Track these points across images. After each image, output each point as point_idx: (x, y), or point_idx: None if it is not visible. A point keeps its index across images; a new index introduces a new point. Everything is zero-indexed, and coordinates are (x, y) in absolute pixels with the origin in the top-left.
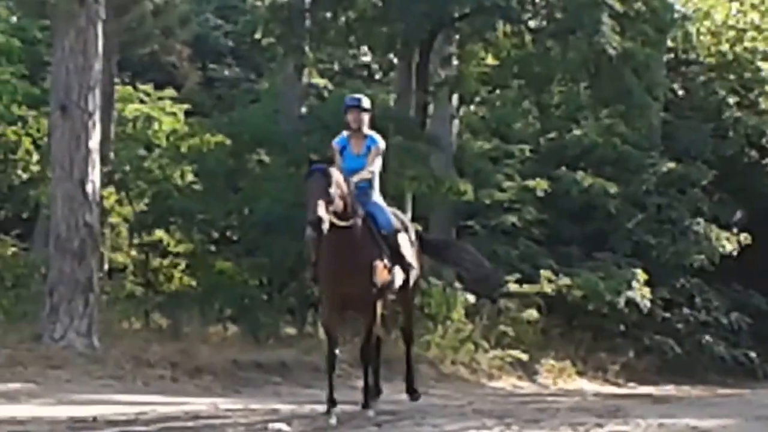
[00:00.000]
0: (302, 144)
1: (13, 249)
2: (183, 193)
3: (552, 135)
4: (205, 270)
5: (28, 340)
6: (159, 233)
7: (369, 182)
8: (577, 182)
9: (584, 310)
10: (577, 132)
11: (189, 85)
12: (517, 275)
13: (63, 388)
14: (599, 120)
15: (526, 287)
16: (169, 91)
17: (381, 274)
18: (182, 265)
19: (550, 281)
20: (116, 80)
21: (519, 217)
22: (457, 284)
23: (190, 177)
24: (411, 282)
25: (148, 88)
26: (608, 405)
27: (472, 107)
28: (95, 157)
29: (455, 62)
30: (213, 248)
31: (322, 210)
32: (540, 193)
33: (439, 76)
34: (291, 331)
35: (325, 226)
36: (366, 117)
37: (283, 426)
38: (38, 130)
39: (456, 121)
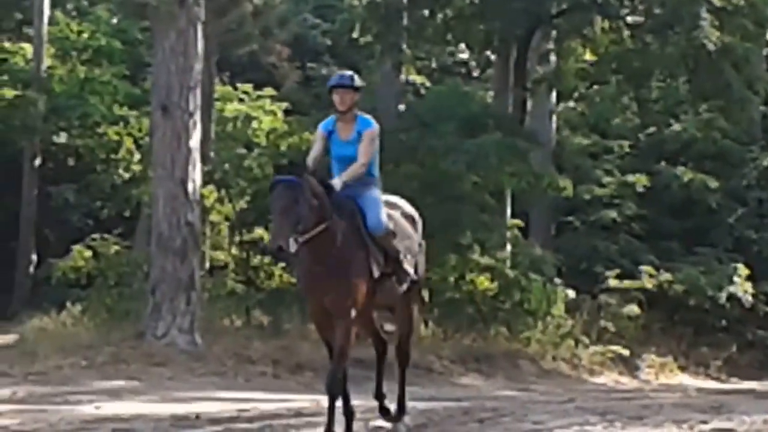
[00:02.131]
0: (401, 141)
1: (116, 248)
2: None
3: (651, 130)
4: None
5: (131, 337)
6: (259, 231)
7: (369, 172)
8: (677, 177)
9: (686, 306)
10: (676, 127)
11: (288, 84)
12: (618, 271)
13: (165, 386)
14: (699, 114)
15: (626, 283)
16: (268, 90)
17: (360, 285)
18: (282, 263)
19: (651, 276)
20: (216, 80)
21: (619, 213)
22: (558, 280)
23: None
24: (416, 287)
25: (248, 87)
26: (711, 401)
27: (570, 103)
28: (196, 156)
29: (553, 58)
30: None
31: (283, 237)
32: (640, 189)
33: (537, 73)
34: (390, 328)
35: (292, 250)
36: (356, 97)
37: (385, 423)
38: (139, 130)
39: (554, 117)
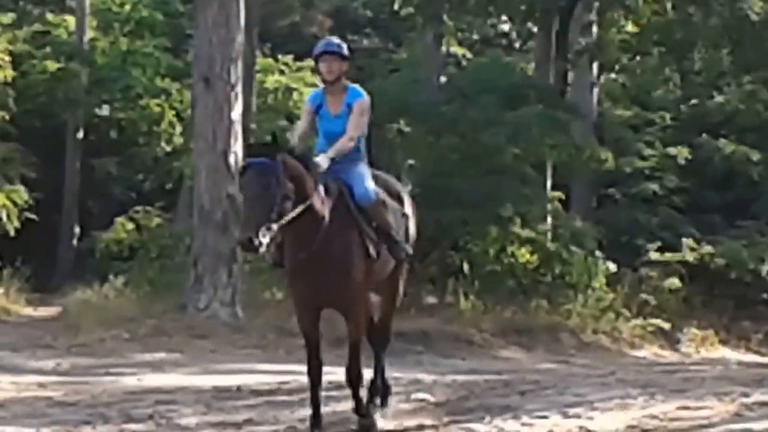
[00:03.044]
0: (442, 113)
1: (158, 220)
2: None
3: (693, 102)
4: None
5: (172, 310)
6: None
7: (357, 148)
8: (719, 149)
9: (727, 279)
10: (719, 99)
11: None
12: (658, 243)
13: (207, 358)
14: (741, 86)
15: (667, 255)
16: (309, 62)
17: (359, 266)
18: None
19: (692, 249)
20: (257, 52)
21: (660, 185)
22: (598, 253)
23: None
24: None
25: (289, 59)
26: (753, 374)
27: (612, 75)
28: (237, 128)
29: (595, 30)
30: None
31: (252, 228)
32: (681, 161)
33: (579, 44)
34: (432, 300)
35: (263, 248)
36: (344, 66)
37: (426, 396)
38: (181, 102)
39: (596, 89)
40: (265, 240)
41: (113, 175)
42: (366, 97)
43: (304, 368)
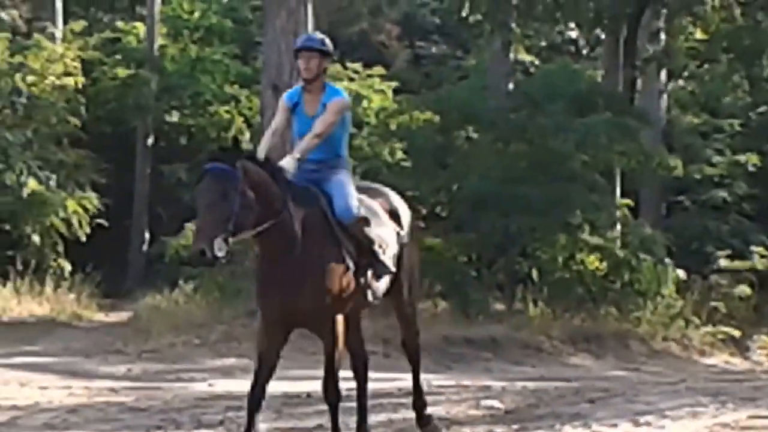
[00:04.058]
0: (510, 120)
1: None
2: (392, 170)
3: (763, 109)
4: None
5: (242, 315)
6: None
7: (335, 153)
8: None
9: None
10: None
11: (397, 63)
12: (728, 251)
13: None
14: None
15: (737, 263)
16: (378, 69)
17: (336, 280)
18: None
19: (762, 257)
20: None
21: (729, 192)
22: (668, 260)
23: (399, 154)
24: (406, 285)
25: (357, 66)
26: None
27: (680, 82)
28: None
29: (663, 37)
30: (422, 224)
31: (206, 239)
32: (751, 168)
33: (647, 51)
34: (500, 307)
35: (219, 254)
36: (324, 63)
37: (495, 403)
38: (250, 109)
39: (665, 96)
40: (221, 253)
41: (183, 181)
42: (344, 97)
43: (373, 375)
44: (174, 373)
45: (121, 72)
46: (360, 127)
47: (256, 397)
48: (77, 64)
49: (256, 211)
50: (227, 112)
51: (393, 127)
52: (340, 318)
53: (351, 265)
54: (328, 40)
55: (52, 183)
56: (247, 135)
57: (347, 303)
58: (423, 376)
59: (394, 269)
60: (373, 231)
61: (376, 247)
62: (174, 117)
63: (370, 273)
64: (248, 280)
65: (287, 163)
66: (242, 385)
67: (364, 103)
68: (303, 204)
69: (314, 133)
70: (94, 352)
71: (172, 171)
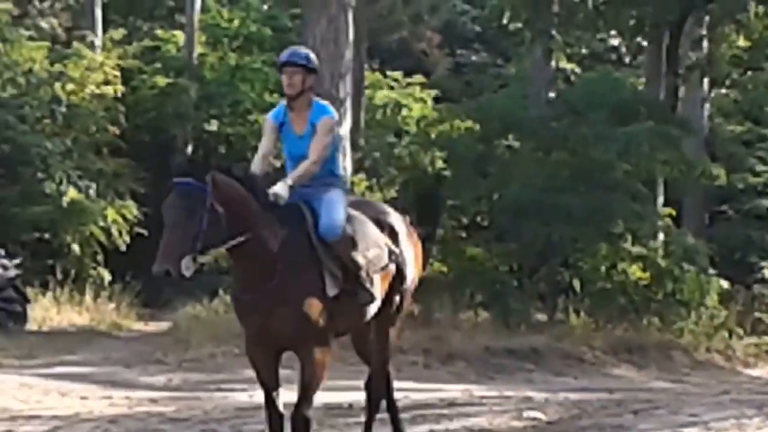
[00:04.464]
0: (551, 129)
1: None
2: (433, 179)
3: None
4: (456, 256)
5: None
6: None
7: (328, 170)
8: None
9: None
10: None
11: (438, 71)
12: None
13: None
14: None
15: None
16: (418, 78)
17: (313, 305)
18: (433, 251)
19: None
20: (365, 67)
21: None
22: (711, 270)
23: (439, 163)
24: (395, 302)
25: (397, 74)
26: None
27: (723, 90)
28: (346, 144)
29: (706, 44)
30: (463, 234)
31: (171, 259)
32: None
33: (690, 59)
34: (542, 317)
35: (187, 274)
36: (309, 80)
37: (538, 414)
38: None
39: (707, 105)
40: (188, 272)
41: None
42: (332, 115)
43: (414, 385)
44: (214, 383)
45: (160, 80)
46: (400, 135)
47: (274, 425)
48: (116, 72)
49: (226, 227)
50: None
51: (433, 135)
52: (325, 349)
53: (330, 289)
54: (313, 56)
55: (92, 192)
56: None
57: (330, 328)
58: (465, 386)
59: (378, 297)
60: (361, 254)
61: (362, 273)
62: (213, 126)
63: (356, 298)
64: None
65: (280, 189)
66: (283, 395)
67: (404, 112)
68: (287, 221)
69: (311, 161)
70: (134, 362)
71: None
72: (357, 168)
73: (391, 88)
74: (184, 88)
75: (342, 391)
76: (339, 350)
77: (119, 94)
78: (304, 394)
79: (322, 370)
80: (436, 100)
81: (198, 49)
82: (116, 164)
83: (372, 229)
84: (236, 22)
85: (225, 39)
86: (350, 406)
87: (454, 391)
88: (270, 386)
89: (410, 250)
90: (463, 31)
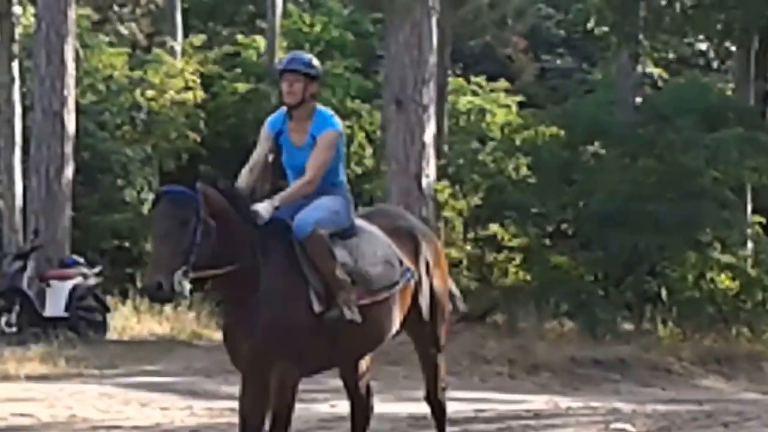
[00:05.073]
0: (638, 135)
1: None
2: (517, 186)
3: None
4: (541, 264)
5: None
6: (494, 227)
7: (329, 182)
8: None
9: None
10: None
11: (523, 77)
12: None
13: (400, 385)
14: None
15: None
16: (502, 83)
17: (301, 325)
18: (517, 260)
19: None
20: (449, 72)
21: None
22: None
23: (524, 170)
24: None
25: (481, 80)
26: None
27: None
28: (430, 150)
29: None
30: (548, 242)
31: (164, 272)
32: None
33: None
34: (628, 326)
35: (180, 290)
36: (312, 87)
37: (626, 426)
38: (371, 124)
39: None
40: (181, 289)
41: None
42: (336, 128)
43: (499, 396)
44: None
45: (241, 86)
46: (484, 142)
47: None
48: (197, 78)
49: (216, 241)
50: (348, 127)
51: (518, 142)
52: (295, 372)
53: (316, 305)
54: (316, 62)
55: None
56: (369, 150)
57: (312, 347)
58: (550, 397)
59: (359, 319)
60: (350, 272)
61: (341, 293)
62: None
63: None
64: None
65: (263, 209)
66: None
67: (488, 118)
68: (272, 239)
69: (306, 180)
70: (215, 371)
71: None
72: (441, 175)
73: (475, 93)
74: (265, 95)
75: (425, 402)
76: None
77: (199, 101)
78: (273, 422)
79: (285, 397)
80: (521, 105)
81: (279, 55)
82: (196, 171)
83: (381, 245)
84: (318, 27)
85: (306, 44)
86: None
87: (539, 402)
88: (250, 423)
89: (434, 263)
90: (548, 35)
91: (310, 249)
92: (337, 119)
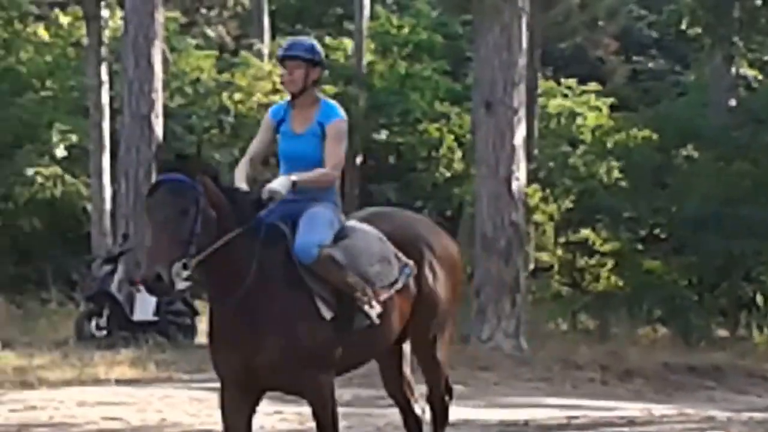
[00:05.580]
0: (732, 138)
1: None
2: (609, 190)
3: None
4: (633, 269)
5: (455, 341)
6: (585, 232)
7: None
8: None
9: None
10: None
11: (614, 79)
12: None
13: (492, 391)
14: None
15: None
16: (593, 85)
17: (305, 332)
18: (609, 265)
19: None
20: (539, 75)
21: None
22: None
23: (616, 173)
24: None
25: (572, 82)
26: None
27: None
28: (520, 154)
29: None
30: (640, 247)
31: (163, 262)
32: None
33: None
34: (723, 333)
35: (180, 283)
36: (313, 74)
37: None
38: (461, 127)
39: None
40: (180, 282)
41: (392, 201)
42: (343, 117)
43: (591, 403)
44: (385, 399)
45: (329, 89)
46: (575, 145)
47: None
48: None
49: (216, 232)
50: (437, 129)
51: (609, 145)
52: (328, 379)
53: (326, 314)
54: (319, 47)
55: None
56: (458, 154)
57: (329, 358)
58: (642, 405)
59: (377, 320)
60: (352, 273)
61: (357, 295)
62: (382, 135)
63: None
64: (461, 305)
65: (279, 184)
66: (456, 412)
67: (579, 120)
68: (268, 244)
69: (326, 172)
70: None
71: (381, 191)
72: (531, 178)
73: (566, 96)
74: (353, 97)
75: (518, 408)
76: (514, 366)
77: None
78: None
79: (328, 402)
80: (612, 108)
81: (367, 57)
82: None
83: (376, 243)
84: (406, 29)
85: (395, 47)
86: (526, 423)
87: (632, 409)
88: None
89: (439, 265)
90: (640, 37)
91: (319, 271)
92: (341, 109)
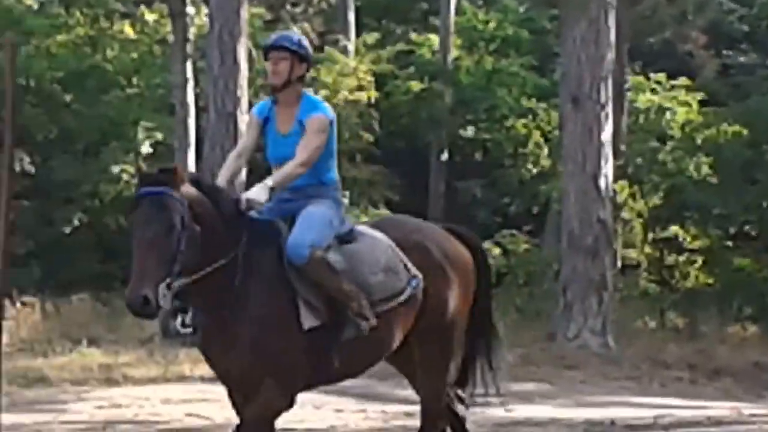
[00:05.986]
0: None
1: (525, 245)
2: (698, 186)
3: None
4: (723, 267)
5: (541, 339)
6: (674, 228)
7: (317, 179)
8: None
9: None
10: None
11: (704, 73)
12: None
13: (578, 389)
14: None
15: None
16: (683, 80)
17: (275, 337)
18: (698, 262)
19: None
20: (627, 69)
21: None
22: None
23: (705, 169)
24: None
25: (661, 77)
26: None
27: None
28: (608, 150)
29: None
30: (730, 244)
31: (149, 284)
32: None
33: None
34: None
35: (165, 305)
36: (299, 69)
37: None
38: (548, 123)
39: None
40: (165, 302)
41: (478, 198)
42: (325, 112)
43: (679, 402)
44: (470, 398)
45: (415, 85)
46: (663, 141)
47: None
48: (370, 77)
49: (201, 248)
50: (524, 126)
51: (699, 140)
52: (282, 399)
53: (306, 321)
54: (306, 42)
55: (345, 200)
56: (545, 150)
57: (299, 368)
58: (731, 405)
59: (366, 329)
60: (351, 282)
61: (352, 305)
62: (469, 131)
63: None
64: (547, 302)
65: (256, 193)
66: (542, 410)
67: (668, 116)
68: (260, 244)
69: (298, 162)
70: (389, 375)
71: (467, 188)
72: (619, 175)
73: (655, 91)
74: (439, 93)
75: (603, 407)
76: (601, 365)
77: (372, 100)
78: None
79: (269, 413)
80: (702, 103)
81: (453, 53)
82: (370, 172)
83: (384, 251)
84: (492, 25)
85: (481, 42)
86: (612, 422)
87: (721, 408)
88: None
89: (451, 272)
90: (730, 30)
91: (310, 274)
92: (327, 106)
